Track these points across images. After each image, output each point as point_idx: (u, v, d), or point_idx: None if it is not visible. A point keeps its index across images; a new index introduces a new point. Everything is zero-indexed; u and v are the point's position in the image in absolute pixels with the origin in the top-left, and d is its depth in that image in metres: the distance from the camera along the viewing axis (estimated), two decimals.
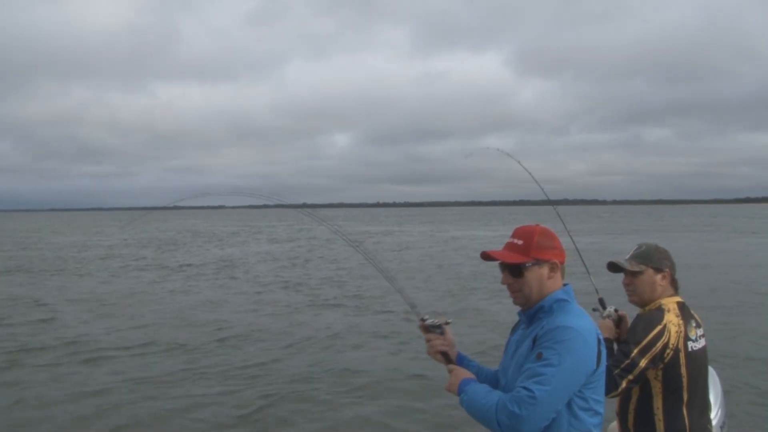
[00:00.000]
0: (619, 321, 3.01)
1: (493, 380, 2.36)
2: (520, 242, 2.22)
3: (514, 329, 2.39)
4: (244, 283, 16.96)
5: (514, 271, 2.22)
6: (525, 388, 1.99)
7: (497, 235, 41.89)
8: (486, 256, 2.28)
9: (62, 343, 9.60)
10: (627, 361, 2.63)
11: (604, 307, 3.15)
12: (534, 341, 2.10)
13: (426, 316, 2.47)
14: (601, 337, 2.14)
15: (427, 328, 2.45)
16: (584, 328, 2.07)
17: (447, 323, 2.46)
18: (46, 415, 6.36)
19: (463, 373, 2.29)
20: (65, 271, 20.96)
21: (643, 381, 2.69)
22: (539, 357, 2.02)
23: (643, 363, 2.62)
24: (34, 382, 7.53)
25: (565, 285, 2.25)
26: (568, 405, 2.05)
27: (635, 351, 2.63)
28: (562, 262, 2.24)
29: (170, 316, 12.01)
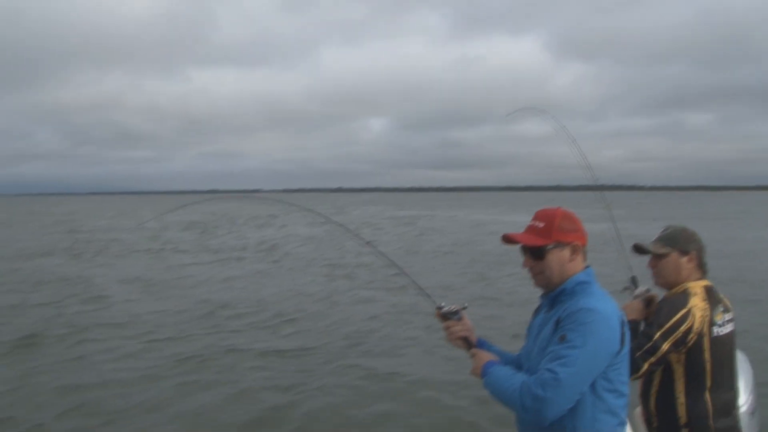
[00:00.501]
0: (648, 302, 2.98)
1: (515, 364, 2.37)
2: (542, 225, 2.26)
3: (536, 312, 2.40)
4: (284, 266, 17.35)
5: (535, 254, 2.25)
6: (549, 370, 2.02)
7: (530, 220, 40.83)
8: (507, 239, 2.31)
9: (115, 324, 9.93)
10: (649, 344, 2.64)
11: (636, 286, 3.14)
12: (557, 324, 2.12)
13: (442, 304, 2.50)
14: (624, 319, 2.17)
15: (444, 316, 2.48)
16: (607, 310, 2.09)
17: (464, 308, 2.50)
18: (109, 395, 6.59)
19: (486, 356, 2.33)
20: (111, 253, 21.54)
21: (665, 364, 2.69)
22: (562, 339, 2.05)
23: (665, 346, 2.62)
24: (95, 362, 7.83)
25: (586, 267, 2.27)
26: (593, 386, 2.07)
27: (658, 334, 2.63)
28: (583, 245, 2.27)
29: (218, 298, 12.33)
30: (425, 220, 43.76)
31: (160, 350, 8.31)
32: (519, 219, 42.31)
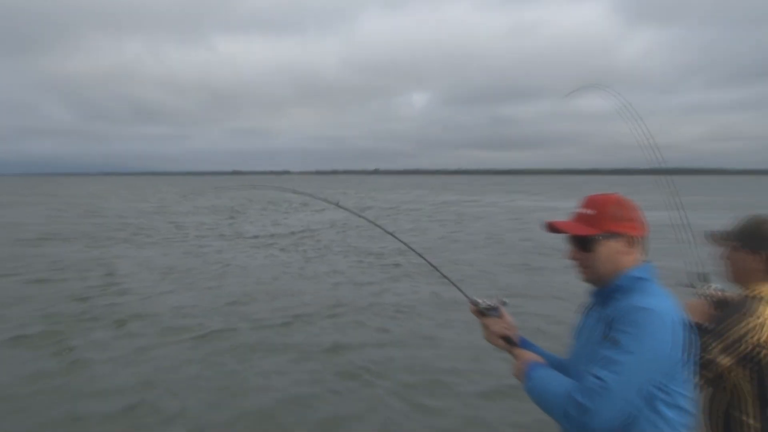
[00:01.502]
0: (719, 303, 2.88)
1: (562, 369, 2.32)
2: (591, 212, 2.22)
3: (585, 312, 2.37)
4: (314, 252, 17.64)
5: (582, 245, 2.22)
6: (596, 377, 1.97)
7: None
8: (552, 228, 2.27)
9: (134, 315, 10.29)
10: (706, 357, 2.53)
11: (705, 283, 3.02)
12: (608, 325, 2.08)
13: (477, 300, 2.49)
14: (688, 322, 2.10)
15: (482, 312, 2.48)
16: (665, 310, 2.04)
17: (503, 304, 2.49)
18: (135, 382, 7.01)
19: (530, 357, 2.31)
20: (131, 240, 22.04)
21: (732, 380, 2.59)
22: (613, 342, 2.01)
23: (724, 361, 2.51)
24: (118, 351, 8.23)
25: (645, 262, 2.22)
26: (649, 400, 2.03)
27: (717, 346, 2.52)
28: (640, 237, 2.22)
29: (247, 286, 12.71)
30: (467, 206, 43.69)
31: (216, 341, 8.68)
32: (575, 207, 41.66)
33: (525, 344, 2.47)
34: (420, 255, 2.90)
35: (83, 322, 9.79)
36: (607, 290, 2.21)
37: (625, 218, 2.20)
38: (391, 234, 2.99)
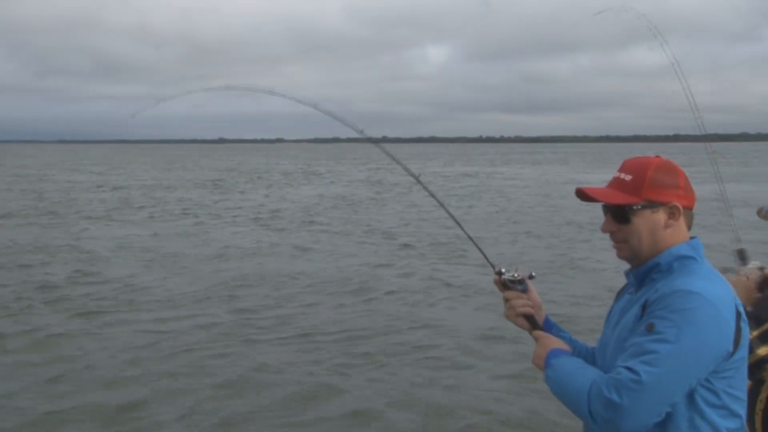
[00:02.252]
0: (763, 284, 2.86)
1: (589, 358, 2.32)
2: (629, 178, 2.16)
3: (618, 295, 2.34)
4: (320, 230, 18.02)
5: (618, 216, 2.16)
6: (628, 368, 1.92)
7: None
8: (582, 195, 2.24)
9: (123, 298, 10.76)
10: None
11: (744, 261, 3.02)
12: (643, 308, 2.04)
13: (503, 269, 2.45)
14: (741, 310, 2.04)
15: (506, 284, 2.44)
16: (715, 295, 1.98)
17: (530, 277, 2.46)
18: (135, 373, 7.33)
19: (553, 342, 2.26)
20: (99, 216, 22.37)
21: None
22: (650, 329, 1.95)
23: (762, 352, 2.55)
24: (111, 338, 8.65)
25: (692, 238, 2.18)
26: (691, 398, 1.98)
27: (754, 334, 2.53)
28: (687, 207, 2.16)
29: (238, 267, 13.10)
30: (484, 177, 43.85)
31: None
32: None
33: (550, 327, 2.43)
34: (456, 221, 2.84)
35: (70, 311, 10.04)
36: (644, 269, 2.16)
37: (668, 185, 2.13)
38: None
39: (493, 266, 2.48)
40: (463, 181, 41.94)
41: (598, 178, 42.86)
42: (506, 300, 2.42)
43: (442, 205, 2.85)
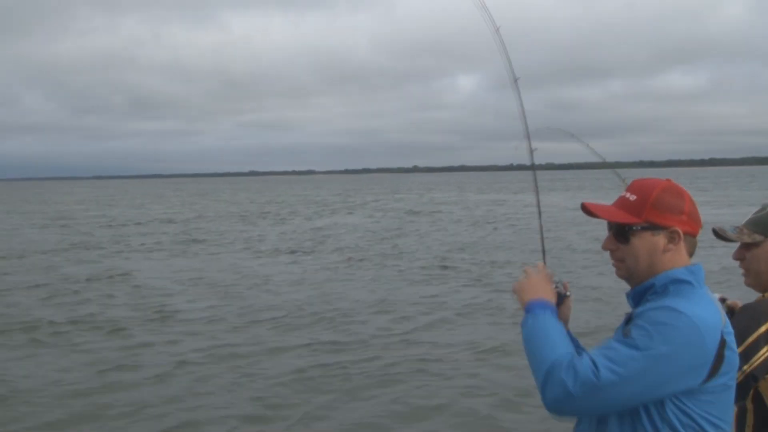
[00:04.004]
0: (730, 312, 2.80)
1: None
2: (633, 198, 2.16)
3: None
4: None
5: (618, 235, 2.17)
6: (591, 360, 1.94)
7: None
8: (586, 210, 2.24)
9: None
10: None
11: None
12: (627, 322, 2.07)
13: (555, 276, 2.40)
14: (729, 339, 2.03)
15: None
16: (701, 318, 1.96)
17: (566, 295, 2.39)
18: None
19: (547, 292, 2.25)
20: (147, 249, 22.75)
21: (758, 395, 2.58)
22: (625, 334, 1.98)
23: (745, 369, 2.46)
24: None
25: (694, 264, 2.15)
26: (667, 421, 1.98)
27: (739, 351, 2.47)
28: (689, 233, 2.14)
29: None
30: (500, 205, 43.83)
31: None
32: None
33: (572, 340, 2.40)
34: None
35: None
36: (640, 289, 2.15)
37: (671, 209, 2.12)
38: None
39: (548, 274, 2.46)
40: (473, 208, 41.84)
41: None
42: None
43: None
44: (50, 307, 13.09)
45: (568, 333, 2.35)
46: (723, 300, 2.89)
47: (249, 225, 34.28)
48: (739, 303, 2.83)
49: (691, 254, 2.16)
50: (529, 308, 2.18)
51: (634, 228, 2.13)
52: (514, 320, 10.66)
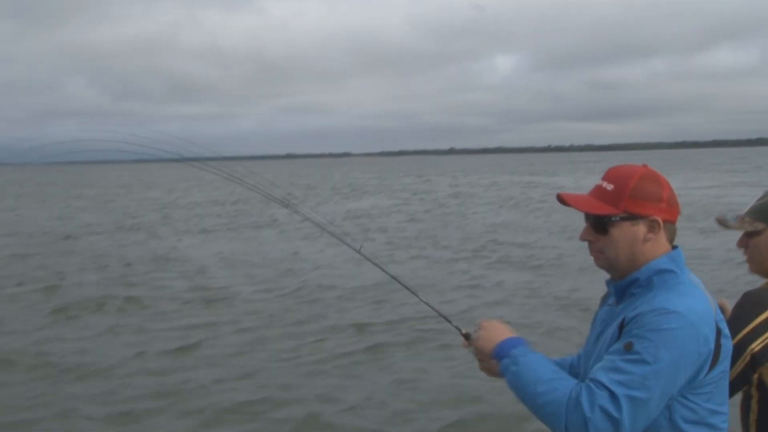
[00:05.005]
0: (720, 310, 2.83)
1: (570, 371, 2.30)
2: (611, 187, 2.12)
3: (602, 301, 2.31)
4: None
5: (597, 226, 2.12)
6: (607, 388, 1.88)
7: (710, 185, 39.58)
8: (562, 201, 2.19)
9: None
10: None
11: None
12: (621, 328, 2.00)
13: (468, 331, 2.33)
14: (722, 326, 2.03)
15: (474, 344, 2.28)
16: (695, 311, 1.95)
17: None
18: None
19: (505, 330, 2.19)
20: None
21: (761, 383, 2.54)
22: (628, 348, 1.91)
23: (747, 357, 2.42)
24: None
25: (674, 248, 2.13)
26: (670, 418, 1.97)
27: (735, 341, 2.40)
28: (668, 221, 2.11)
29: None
30: (537, 189, 43.45)
31: None
32: (700, 184, 40.62)
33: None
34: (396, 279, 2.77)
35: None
36: (624, 284, 2.12)
37: (650, 198, 2.09)
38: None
39: (458, 330, 2.38)
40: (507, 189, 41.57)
41: (680, 186, 41.75)
42: (480, 360, 2.28)
43: (385, 271, 2.80)
44: (110, 286, 13.49)
45: (554, 362, 2.31)
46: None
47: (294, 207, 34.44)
48: (727, 302, 2.80)
49: (671, 240, 2.15)
50: (500, 353, 2.11)
51: (614, 219, 2.09)
52: None
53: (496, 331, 2.19)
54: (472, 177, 67.80)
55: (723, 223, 2.72)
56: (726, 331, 2.05)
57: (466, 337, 2.33)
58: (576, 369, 2.35)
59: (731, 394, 2.54)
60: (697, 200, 30.21)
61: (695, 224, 19.95)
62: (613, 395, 1.87)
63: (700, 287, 2.08)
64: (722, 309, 2.81)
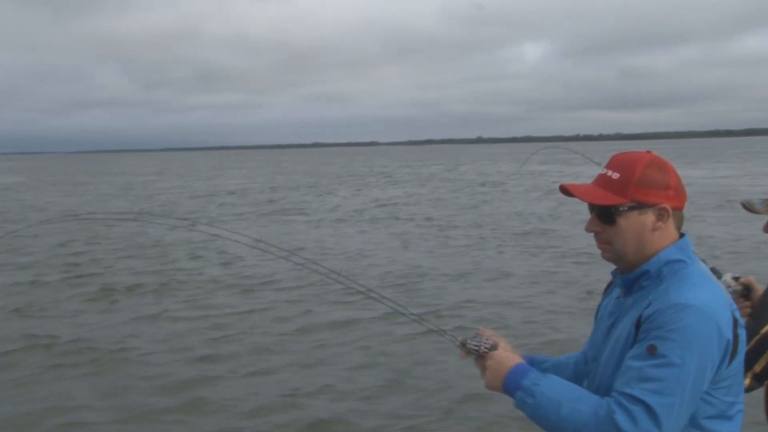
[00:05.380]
0: (746, 291, 2.77)
1: (569, 371, 2.26)
2: (616, 176, 2.05)
3: (606, 292, 2.27)
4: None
5: (603, 216, 2.06)
6: (639, 400, 1.81)
7: (740, 174, 38.98)
8: (565, 191, 2.13)
9: None
10: (750, 344, 2.39)
11: (718, 277, 2.86)
12: (637, 325, 1.94)
13: (467, 340, 2.24)
14: (737, 315, 1.96)
15: (472, 353, 2.22)
16: (710, 303, 1.89)
17: (488, 352, 2.19)
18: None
19: (509, 358, 2.10)
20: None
21: None
22: (652, 352, 1.85)
23: None
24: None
25: (681, 236, 2.07)
26: (692, 418, 1.91)
27: (764, 331, 2.40)
28: (676, 208, 2.05)
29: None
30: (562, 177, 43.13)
31: None
32: (732, 173, 40.04)
33: (534, 362, 2.27)
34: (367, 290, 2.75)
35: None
36: (633, 276, 2.06)
37: (657, 185, 2.02)
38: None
39: (454, 340, 2.29)
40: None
41: (700, 174, 41.37)
42: (482, 369, 2.19)
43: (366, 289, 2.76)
44: (146, 274, 13.63)
45: (556, 361, 2.33)
46: (736, 278, 2.86)
47: (325, 194, 35.00)
48: (753, 279, 2.78)
49: (679, 228, 2.09)
50: (511, 387, 2.03)
51: (621, 208, 2.03)
52: None
53: (500, 365, 2.10)
54: (508, 165, 67.44)
55: (749, 207, 2.69)
56: (741, 320, 1.99)
57: (463, 345, 2.24)
58: (580, 367, 2.30)
59: (757, 386, 2.51)
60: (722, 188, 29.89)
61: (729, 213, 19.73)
62: (648, 408, 1.81)
63: (710, 277, 2.03)
64: (749, 286, 2.81)
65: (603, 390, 1.99)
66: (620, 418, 1.82)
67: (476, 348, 2.20)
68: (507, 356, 2.13)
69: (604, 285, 2.37)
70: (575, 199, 2.10)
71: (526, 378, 2.01)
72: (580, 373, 2.28)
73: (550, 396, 1.95)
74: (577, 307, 10.10)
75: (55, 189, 44.62)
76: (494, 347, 2.19)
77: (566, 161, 61.73)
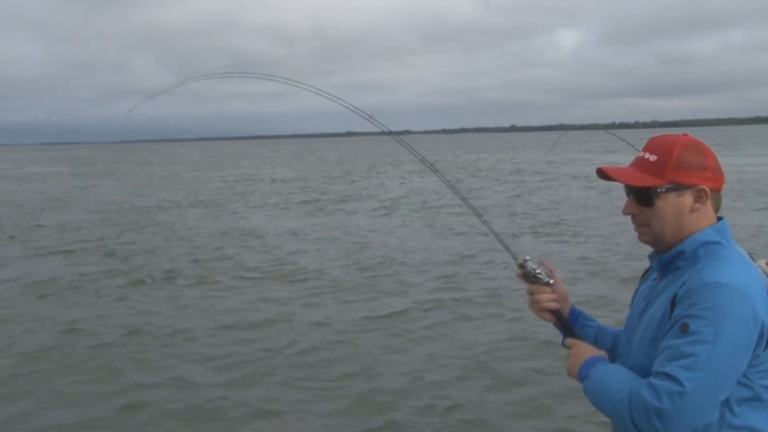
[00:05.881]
0: None
1: (618, 342, 2.31)
2: (654, 158, 2.06)
3: (643, 277, 2.27)
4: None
5: (641, 198, 2.07)
6: (668, 375, 1.83)
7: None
8: (603, 175, 2.15)
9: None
10: None
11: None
12: (672, 304, 1.94)
13: (527, 258, 2.35)
14: None
15: (529, 277, 2.35)
16: (746, 284, 1.88)
17: (550, 283, 2.35)
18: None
19: (587, 351, 2.16)
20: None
21: None
22: (684, 329, 1.86)
23: None
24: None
25: (719, 219, 2.08)
26: (725, 402, 1.90)
27: None
28: (714, 190, 2.05)
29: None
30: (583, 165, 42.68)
31: None
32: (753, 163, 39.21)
33: (576, 317, 2.39)
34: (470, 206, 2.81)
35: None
36: (668, 257, 2.07)
37: (695, 166, 2.03)
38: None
39: (515, 258, 2.40)
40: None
41: (741, 162, 40.54)
42: (530, 294, 2.36)
43: (457, 192, 2.84)
44: (189, 261, 13.72)
45: (600, 327, 2.39)
46: None
47: (362, 182, 35.23)
48: None
49: (717, 210, 2.09)
50: (582, 377, 2.11)
51: (660, 190, 2.03)
52: None
53: (576, 357, 2.16)
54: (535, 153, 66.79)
55: None
56: None
57: (522, 266, 2.35)
58: (617, 342, 2.34)
59: None
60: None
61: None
62: (677, 382, 1.83)
63: (747, 259, 2.02)
64: None
65: (635, 370, 2.01)
66: (646, 393, 1.85)
67: (532, 271, 2.33)
68: (588, 349, 2.18)
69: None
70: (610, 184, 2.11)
71: (594, 368, 2.07)
72: (616, 347, 2.32)
73: (604, 380, 2.01)
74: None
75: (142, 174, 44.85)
76: (548, 281, 2.33)
77: (607, 149, 61.10)
